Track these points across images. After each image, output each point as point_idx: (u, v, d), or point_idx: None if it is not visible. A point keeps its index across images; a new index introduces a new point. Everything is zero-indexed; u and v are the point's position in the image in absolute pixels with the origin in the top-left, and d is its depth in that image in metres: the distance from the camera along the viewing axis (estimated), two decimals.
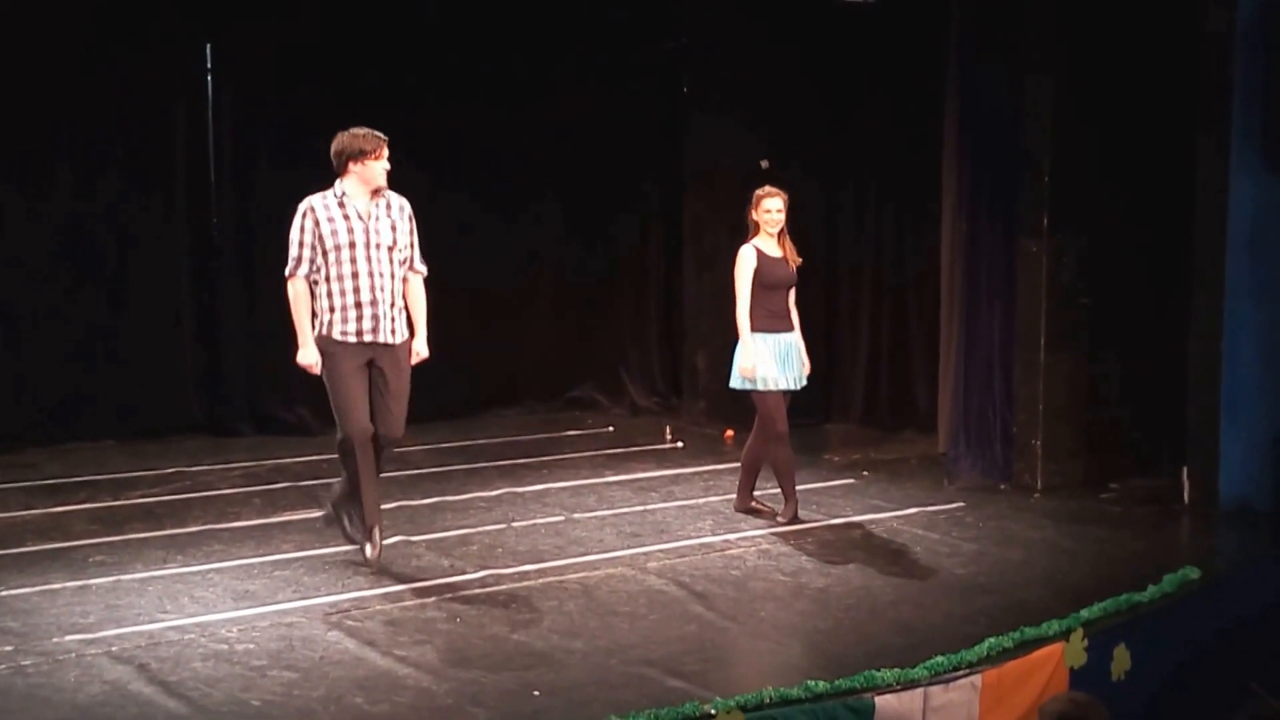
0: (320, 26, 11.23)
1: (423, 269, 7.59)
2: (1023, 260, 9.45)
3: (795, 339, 8.58)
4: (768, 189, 8.61)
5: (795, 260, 8.62)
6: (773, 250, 8.53)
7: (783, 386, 8.48)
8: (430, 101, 11.57)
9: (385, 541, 7.64)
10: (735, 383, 8.58)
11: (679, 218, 12.36)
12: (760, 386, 8.46)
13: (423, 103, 11.46)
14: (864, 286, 11.75)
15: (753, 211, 8.56)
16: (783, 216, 8.54)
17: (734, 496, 8.92)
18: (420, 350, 7.59)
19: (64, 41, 10.52)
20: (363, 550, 7.53)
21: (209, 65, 11.17)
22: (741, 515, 8.76)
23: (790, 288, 8.58)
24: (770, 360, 8.44)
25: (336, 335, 7.32)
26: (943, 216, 10.47)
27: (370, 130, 7.39)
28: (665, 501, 9.19)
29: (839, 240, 11.73)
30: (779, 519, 8.62)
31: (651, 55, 12.46)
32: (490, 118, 11.99)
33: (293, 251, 7.35)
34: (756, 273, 8.44)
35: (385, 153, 7.36)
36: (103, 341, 10.87)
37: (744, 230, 8.67)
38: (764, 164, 11.21)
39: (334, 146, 7.38)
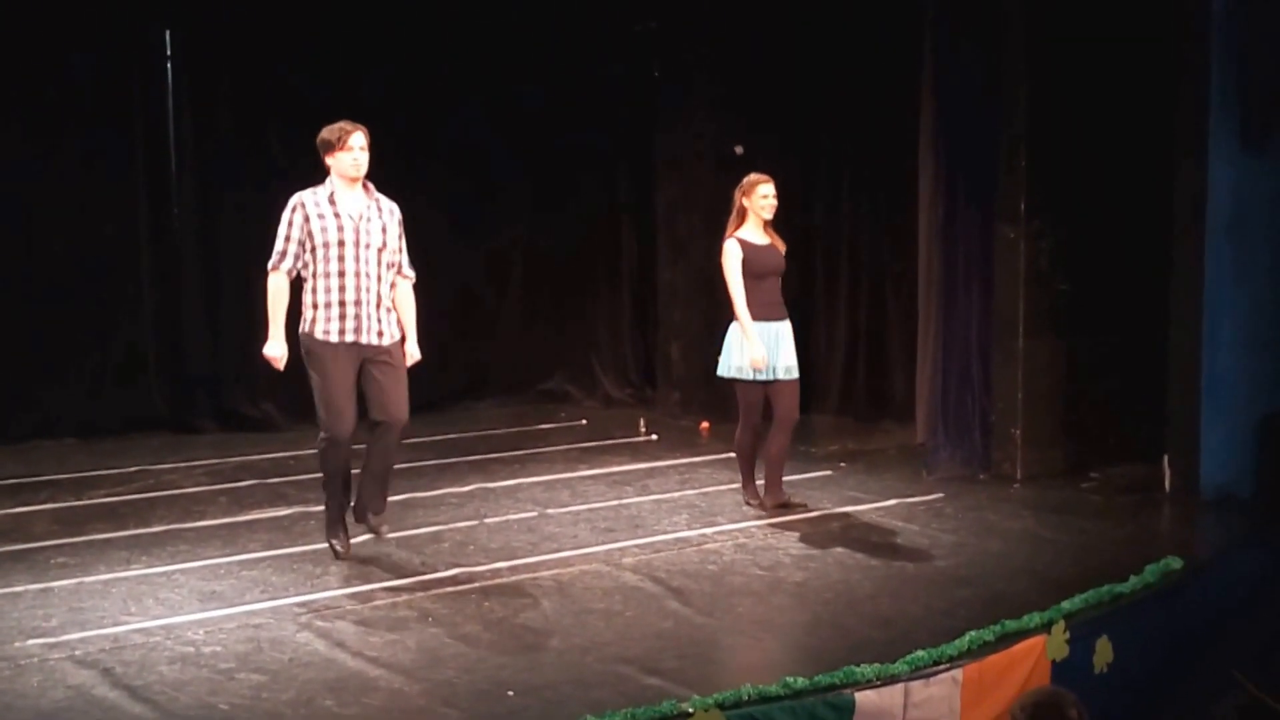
0: (281, 12, 11.09)
1: (411, 274, 7.51)
2: (1000, 246, 9.39)
3: (787, 327, 8.47)
4: (758, 174, 8.48)
5: (782, 246, 8.51)
6: (759, 238, 8.41)
7: (764, 378, 8.37)
8: (395, 87, 11.49)
9: (355, 540, 7.60)
10: (722, 370, 8.49)
11: (651, 205, 12.27)
12: (742, 376, 8.37)
13: (387, 89, 11.38)
14: (840, 274, 11.69)
15: (744, 198, 8.41)
16: (776, 201, 8.43)
17: (709, 490, 8.83)
18: (413, 353, 7.53)
19: (14, 31, 10.37)
20: (331, 546, 7.49)
21: (168, 52, 11.03)
22: (718, 509, 8.69)
23: (779, 274, 8.47)
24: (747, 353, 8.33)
25: (319, 334, 7.23)
26: (920, 202, 10.41)
27: (343, 122, 7.29)
28: (640, 496, 9.12)
29: (814, 227, 11.63)
30: (755, 504, 8.61)
31: (622, 39, 12.35)
32: (458, 105, 11.90)
33: (278, 245, 7.27)
34: (744, 263, 8.32)
35: (354, 142, 7.22)
36: (63, 337, 10.75)
37: (718, 215, 8.54)
38: (738, 150, 11.13)
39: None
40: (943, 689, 5.97)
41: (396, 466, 7.70)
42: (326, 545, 7.62)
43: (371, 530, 7.56)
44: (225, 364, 11.23)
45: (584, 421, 11.83)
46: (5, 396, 10.58)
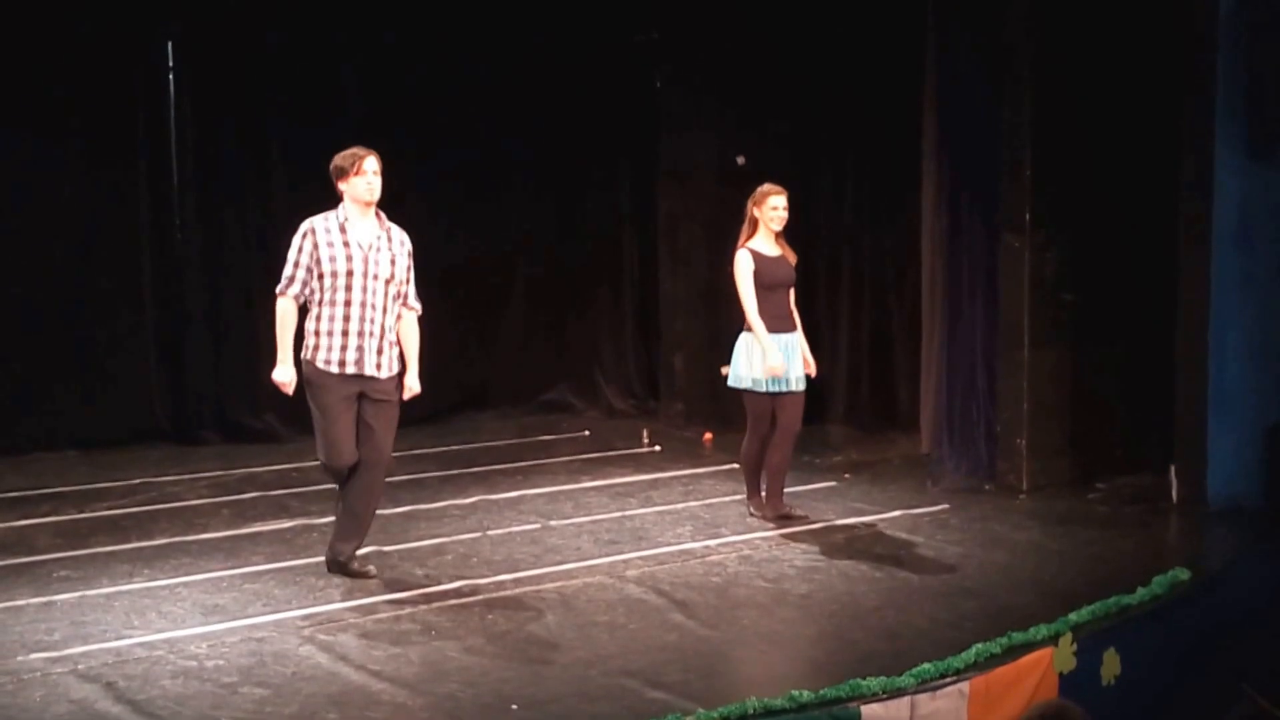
0: (285, 24, 11.08)
1: (417, 306, 7.48)
2: (1005, 255, 9.35)
3: (797, 339, 8.45)
4: (771, 185, 8.44)
5: (793, 258, 8.47)
6: (770, 250, 8.38)
7: (775, 389, 8.33)
8: (398, 100, 11.44)
9: (360, 551, 7.57)
10: (732, 381, 8.45)
11: (653, 215, 12.24)
12: (753, 387, 8.34)
13: (389, 102, 11.33)
14: (843, 283, 11.63)
15: (755, 209, 8.38)
16: (787, 214, 8.40)
17: (713, 501, 8.80)
18: (412, 386, 7.50)
19: (15, 42, 10.34)
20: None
21: (170, 64, 11.00)
22: (721, 520, 8.65)
23: (790, 286, 8.43)
24: (762, 362, 8.29)
25: (320, 364, 7.20)
26: (923, 210, 10.38)
27: (355, 148, 7.25)
28: (644, 507, 9.08)
29: (817, 236, 11.59)
30: (760, 515, 8.57)
31: (622, 49, 12.32)
32: (459, 115, 11.87)
33: (287, 270, 7.24)
34: (755, 274, 8.29)
35: (366, 166, 7.18)
36: (65, 349, 10.71)
37: (720, 226, 8.51)
38: (739, 160, 11.10)
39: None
40: (949, 702, 5.95)
41: (399, 478, 7.66)
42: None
43: (355, 575, 7.41)
44: (227, 376, 11.18)
45: (587, 433, 11.77)
46: (7, 408, 10.53)
